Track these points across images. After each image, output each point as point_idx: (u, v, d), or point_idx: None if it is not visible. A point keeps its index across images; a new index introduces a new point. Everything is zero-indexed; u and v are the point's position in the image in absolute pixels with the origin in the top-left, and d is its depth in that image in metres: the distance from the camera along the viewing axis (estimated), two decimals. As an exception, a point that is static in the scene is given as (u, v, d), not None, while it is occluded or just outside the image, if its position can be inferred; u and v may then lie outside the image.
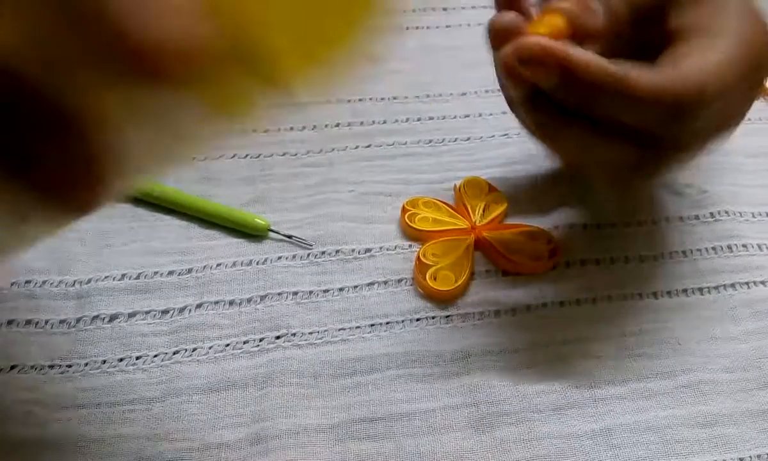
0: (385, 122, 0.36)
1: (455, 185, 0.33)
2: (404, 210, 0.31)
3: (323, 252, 0.31)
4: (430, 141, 0.36)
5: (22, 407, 0.25)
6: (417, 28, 0.41)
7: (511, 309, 0.29)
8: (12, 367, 0.26)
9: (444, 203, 0.32)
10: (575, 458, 0.25)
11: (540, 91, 0.24)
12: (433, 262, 0.30)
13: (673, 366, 0.28)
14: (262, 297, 0.29)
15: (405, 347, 0.28)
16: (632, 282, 0.30)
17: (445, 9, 0.43)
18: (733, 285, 0.30)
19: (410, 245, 0.31)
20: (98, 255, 0.30)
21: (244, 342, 0.28)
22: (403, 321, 0.29)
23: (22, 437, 0.25)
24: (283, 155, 0.34)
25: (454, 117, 0.37)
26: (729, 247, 0.32)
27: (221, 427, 0.25)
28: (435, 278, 0.29)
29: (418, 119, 0.36)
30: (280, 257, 0.30)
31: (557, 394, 0.27)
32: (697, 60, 0.24)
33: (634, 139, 0.25)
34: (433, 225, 0.31)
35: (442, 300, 0.29)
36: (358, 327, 0.28)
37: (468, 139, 0.35)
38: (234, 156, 0.34)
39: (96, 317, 0.28)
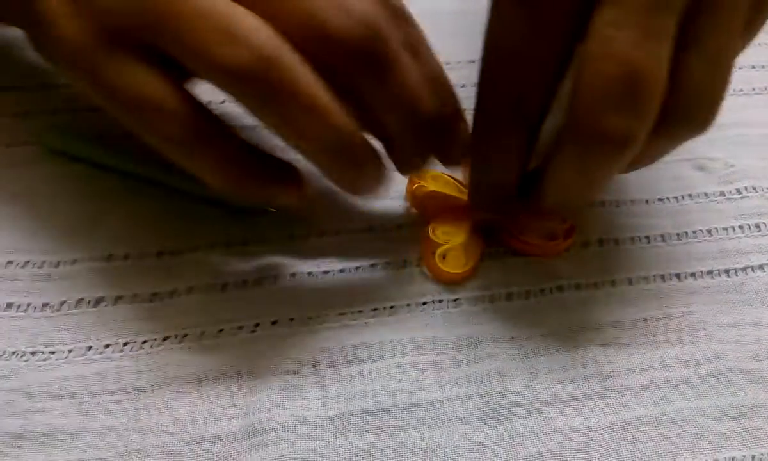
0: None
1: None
2: (411, 182, 0.29)
3: (323, 231, 0.29)
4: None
5: (2, 396, 0.24)
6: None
7: (524, 293, 0.27)
8: (-9, 354, 0.25)
9: (453, 178, 0.30)
10: (592, 453, 0.24)
11: None
12: (443, 240, 0.28)
13: (698, 353, 0.26)
14: (258, 280, 0.27)
15: (410, 333, 0.26)
16: (654, 264, 0.28)
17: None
18: (761, 267, 0.29)
19: (415, 224, 0.29)
20: (83, 235, 0.28)
21: (239, 328, 0.26)
22: (408, 305, 0.27)
23: (1, 428, 0.23)
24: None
25: (463, 86, 0.35)
26: (757, 226, 0.30)
27: (214, 419, 0.24)
28: (444, 259, 0.27)
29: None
30: (277, 237, 0.28)
31: (573, 384, 0.25)
32: None
33: None
34: (442, 201, 0.29)
35: (450, 282, 0.27)
36: (360, 312, 0.27)
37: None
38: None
39: (81, 300, 0.26)
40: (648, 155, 0.23)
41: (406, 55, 0.23)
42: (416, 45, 0.24)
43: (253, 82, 0.20)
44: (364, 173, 0.24)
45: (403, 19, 0.23)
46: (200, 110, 0.22)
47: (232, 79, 0.20)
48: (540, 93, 0.22)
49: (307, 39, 0.21)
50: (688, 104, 0.21)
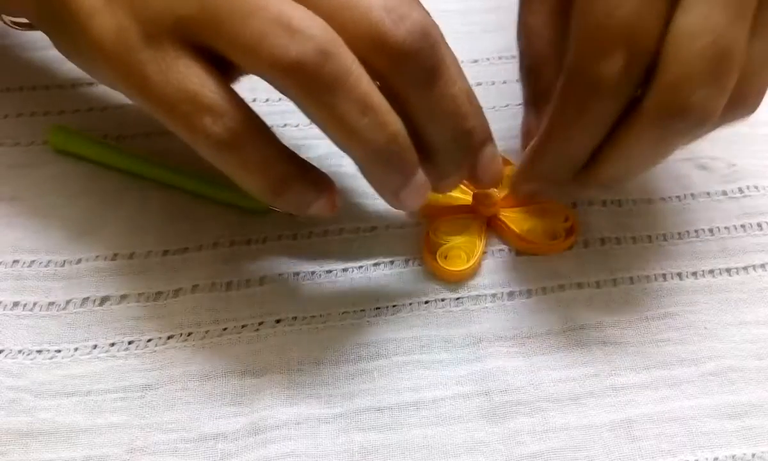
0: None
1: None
2: None
3: (326, 230, 0.29)
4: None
5: (8, 394, 0.24)
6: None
7: (525, 291, 0.27)
8: (-2, 352, 0.25)
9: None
10: (594, 451, 0.24)
11: None
12: (444, 240, 0.28)
13: (699, 352, 0.26)
14: (262, 279, 0.27)
15: (412, 331, 0.26)
16: (655, 263, 0.28)
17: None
18: (763, 266, 0.29)
19: (418, 223, 0.29)
20: (89, 234, 0.28)
21: (242, 327, 0.26)
22: (410, 304, 0.27)
23: (9, 425, 0.24)
24: (284, 126, 0.32)
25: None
26: (759, 225, 0.30)
27: (218, 416, 0.24)
28: (446, 258, 0.27)
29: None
30: (280, 236, 0.29)
31: (575, 382, 0.25)
32: None
33: None
34: (443, 200, 0.29)
35: (452, 281, 0.27)
36: (362, 310, 0.27)
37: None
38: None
39: (86, 299, 0.27)
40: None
41: (452, 66, 0.23)
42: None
43: (311, 74, 0.20)
44: (410, 182, 0.23)
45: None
46: (246, 111, 0.22)
47: (288, 73, 0.20)
48: (642, 64, 0.22)
49: (362, 43, 0.21)
50: (750, 87, 0.22)
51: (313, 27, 0.20)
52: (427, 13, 0.22)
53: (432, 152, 0.24)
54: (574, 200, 0.30)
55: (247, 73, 0.23)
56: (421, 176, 0.24)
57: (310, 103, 0.21)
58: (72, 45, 0.24)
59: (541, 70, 0.28)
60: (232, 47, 0.21)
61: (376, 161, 0.22)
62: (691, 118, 0.21)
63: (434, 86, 0.22)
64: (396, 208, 0.26)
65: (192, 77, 0.21)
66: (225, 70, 0.22)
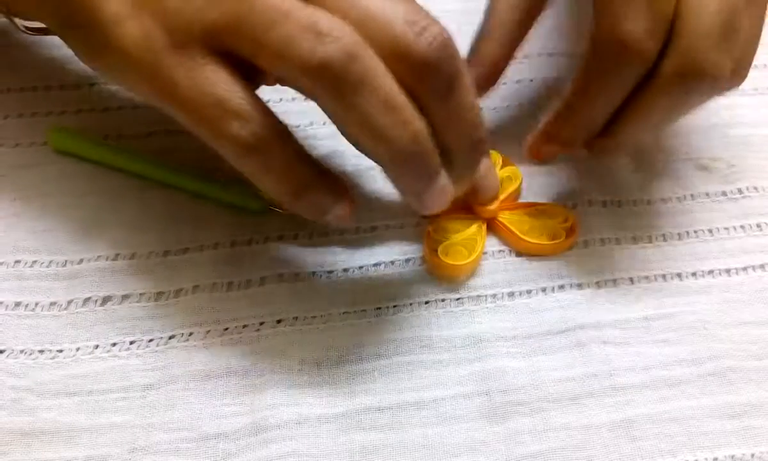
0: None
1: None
2: None
3: (326, 231, 0.29)
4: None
5: (10, 393, 0.24)
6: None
7: (525, 292, 0.28)
8: (0, 351, 0.25)
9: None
10: (593, 451, 0.24)
11: None
12: (444, 237, 0.28)
13: (699, 352, 0.26)
14: (263, 279, 0.27)
15: (413, 332, 0.26)
16: (655, 263, 0.29)
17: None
18: (762, 266, 0.29)
19: (418, 223, 0.29)
20: (90, 234, 0.28)
21: (243, 327, 0.26)
22: (411, 304, 0.27)
23: (11, 425, 0.24)
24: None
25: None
26: (758, 225, 0.30)
27: (219, 416, 0.24)
28: (446, 254, 0.27)
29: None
30: (281, 237, 0.29)
31: (574, 383, 0.25)
32: None
33: None
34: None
35: (453, 276, 0.28)
36: (363, 311, 0.27)
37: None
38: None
39: (88, 299, 0.27)
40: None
41: (467, 77, 0.23)
42: None
43: (337, 75, 0.21)
44: (433, 184, 0.24)
45: None
46: (271, 116, 0.22)
47: (315, 74, 0.21)
48: (663, 28, 0.23)
49: (385, 53, 0.21)
50: (744, 57, 0.25)
51: (340, 30, 0.21)
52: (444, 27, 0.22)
53: (449, 158, 0.24)
54: (575, 200, 0.30)
55: (272, 79, 0.23)
56: (444, 178, 0.24)
57: (336, 104, 0.21)
58: (94, 51, 0.24)
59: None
60: (261, 52, 0.21)
61: (400, 161, 0.23)
62: (707, 78, 0.23)
63: (453, 96, 0.23)
64: (419, 211, 0.26)
65: (220, 83, 0.22)
66: (249, 76, 0.22)
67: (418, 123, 0.22)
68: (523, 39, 0.28)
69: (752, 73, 0.36)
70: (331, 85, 0.21)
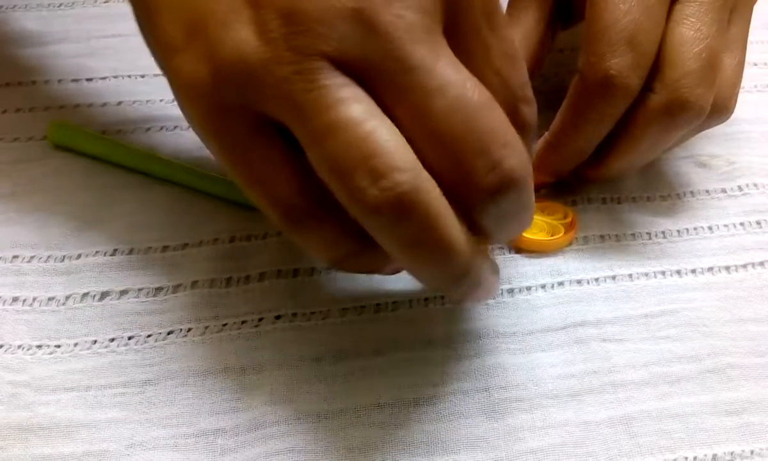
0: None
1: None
2: None
3: (326, 227, 0.29)
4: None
5: (8, 389, 0.24)
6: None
7: (525, 288, 0.28)
8: (-2, 347, 0.25)
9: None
10: (593, 447, 0.24)
11: None
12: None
13: (698, 349, 0.26)
14: (261, 275, 0.27)
15: (413, 329, 0.26)
16: (655, 260, 0.29)
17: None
18: (762, 263, 0.29)
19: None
20: (88, 230, 0.28)
21: (242, 322, 0.26)
22: (410, 301, 0.27)
23: (8, 420, 0.24)
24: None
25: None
26: (758, 222, 0.30)
27: (218, 412, 0.24)
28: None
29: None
30: (280, 232, 0.29)
31: (574, 379, 0.25)
32: None
33: None
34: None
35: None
36: (362, 307, 0.27)
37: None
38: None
39: (86, 294, 0.27)
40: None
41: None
42: None
43: (393, 223, 0.19)
44: (479, 291, 0.22)
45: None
46: (313, 194, 0.20)
47: (366, 215, 0.19)
48: (646, 63, 0.25)
49: (445, 173, 0.19)
50: (726, 93, 0.27)
51: (399, 162, 0.18)
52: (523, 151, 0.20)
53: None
54: (574, 197, 0.30)
55: None
56: (492, 280, 0.23)
57: (386, 243, 0.20)
58: (157, 62, 0.22)
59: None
60: (309, 151, 0.19)
61: (446, 287, 0.22)
62: (692, 111, 0.25)
63: (507, 214, 0.21)
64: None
65: (262, 158, 0.20)
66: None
67: (467, 258, 0.20)
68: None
69: (752, 71, 0.36)
70: (384, 230, 0.19)
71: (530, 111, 0.21)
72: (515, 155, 0.19)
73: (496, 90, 0.20)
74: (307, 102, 0.18)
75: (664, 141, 0.27)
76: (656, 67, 0.26)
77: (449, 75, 0.18)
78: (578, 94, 0.26)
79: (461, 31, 0.20)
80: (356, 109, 0.18)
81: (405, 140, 0.19)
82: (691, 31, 0.25)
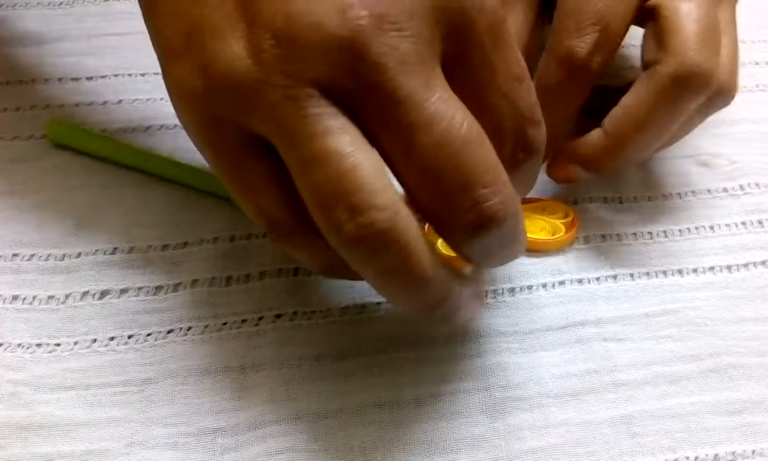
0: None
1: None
2: None
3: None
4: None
5: (7, 387, 0.24)
6: None
7: (526, 287, 0.27)
8: (-3, 345, 0.25)
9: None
10: (594, 447, 0.24)
11: None
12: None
13: (700, 349, 0.26)
14: (261, 274, 0.27)
15: (413, 327, 0.26)
16: (656, 259, 0.28)
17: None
18: (763, 263, 0.29)
19: (420, 218, 0.29)
20: (88, 228, 0.28)
21: (242, 322, 0.26)
22: (411, 300, 0.27)
23: (8, 419, 0.23)
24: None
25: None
26: (760, 222, 0.30)
27: (218, 411, 0.24)
28: (448, 248, 0.27)
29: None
30: (280, 231, 0.29)
31: (575, 379, 0.25)
32: None
33: None
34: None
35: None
36: (363, 306, 0.27)
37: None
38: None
39: (86, 293, 0.27)
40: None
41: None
42: None
43: (369, 256, 0.19)
44: (457, 316, 0.23)
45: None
46: (303, 205, 0.20)
47: (342, 246, 0.19)
48: (611, 47, 0.26)
49: (429, 205, 0.20)
50: (726, 78, 0.26)
51: (380, 196, 0.18)
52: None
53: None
54: (575, 196, 0.30)
55: None
56: (476, 303, 0.23)
57: (363, 272, 0.20)
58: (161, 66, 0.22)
59: None
60: (293, 174, 0.19)
61: (423, 313, 0.22)
62: (701, 75, 0.25)
63: (489, 249, 0.21)
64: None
65: (250, 172, 0.20)
66: None
67: (445, 290, 0.20)
68: None
69: (754, 70, 0.36)
70: (355, 259, 0.19)
71: (537, 133, 0.21)
72: (497, 194, 0.19)
73: (502, 113, 0.20)
74: (294, 129, 0.18)
75: (675, 116, 0.26)
76: (659, 40, 0.26)
77: (438, 109, 0.18)
78: (543, 71, 0.27)
79: (465, 54, 0.20)
80: (342, 141, 0.18)
81: (387, 176, 0.19)
82: (689, 3, 0.26)
